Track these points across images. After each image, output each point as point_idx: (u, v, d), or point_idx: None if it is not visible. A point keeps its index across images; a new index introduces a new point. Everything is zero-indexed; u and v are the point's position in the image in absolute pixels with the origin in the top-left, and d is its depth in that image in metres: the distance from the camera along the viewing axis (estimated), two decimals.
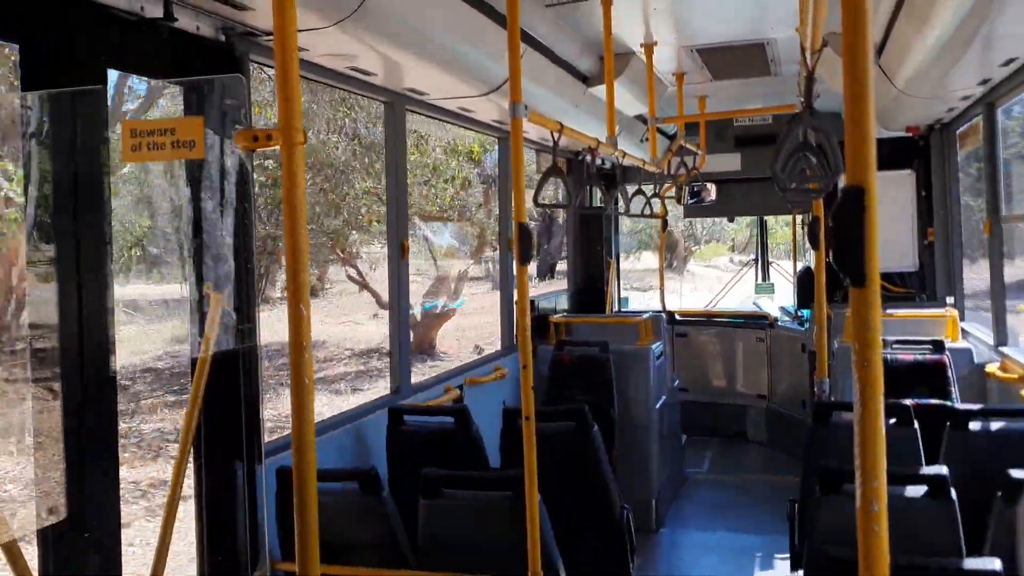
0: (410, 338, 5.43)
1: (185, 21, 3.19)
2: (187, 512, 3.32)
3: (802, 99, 4.18)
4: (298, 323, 1.91)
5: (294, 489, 1.99)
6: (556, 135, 4.09)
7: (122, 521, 2.58)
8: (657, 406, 6.90)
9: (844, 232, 1.38)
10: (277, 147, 1.91)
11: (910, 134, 7.83)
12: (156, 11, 2.99)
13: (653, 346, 6.99)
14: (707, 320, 9.76)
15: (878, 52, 5.30)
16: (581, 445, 4.63)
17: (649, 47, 5.93)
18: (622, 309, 10.05)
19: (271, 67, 3.27)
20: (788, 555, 4.60)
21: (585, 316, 8.23)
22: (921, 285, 8.14)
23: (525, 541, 3.14)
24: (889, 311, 6.75)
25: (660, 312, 8.69)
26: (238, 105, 2.05)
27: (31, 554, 2.64)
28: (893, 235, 8.08)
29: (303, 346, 1.92)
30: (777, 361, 8.99)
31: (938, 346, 5.80)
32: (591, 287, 9.49)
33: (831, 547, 2.54)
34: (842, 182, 1.55)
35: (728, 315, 9.94)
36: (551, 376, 6.73)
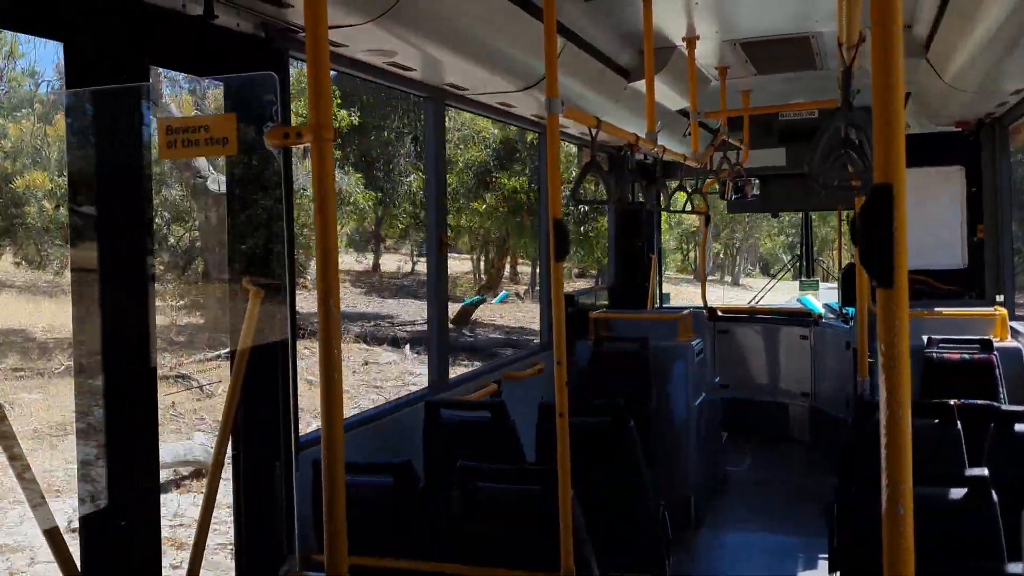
0: (448, 332, 5.45)
1: (226, 18, 3.24)
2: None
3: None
4: (328, 320, 1.93)
5: (323, 482, 2.01)
6: (594, 131, 4.07)
7: None
8: (697, 403, 6.84)
9: (872, 232, 1.35)
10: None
11: (959, 129, 7.67)
12: (197, 8, 3.04)
13: (693, 342, 6.93)
14: (750, 317, 9.64)
15: (926, 46, 5.19)
16: (616, 441, 4.61)
17: (691, 41, 5.86)
18: (663, 305, 9.97)
19: None
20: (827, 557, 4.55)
21: (624, 312, 8.19)
22: (968, 283, 7.96)
23: (558, 536, 3.14)
24: (936, 309, 6.62)
25: (701, 308, 8.61)
26: (272, 102, 2.08)
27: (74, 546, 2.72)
28: (941, 232, 7.92)
29: (332, 343, 1.94)
30: (821, 359, 8.85)
31: (986, 345, 5.68)
32: (631, 283, 9.43)
33: (862, 550, 2.51)
34: None
35: (771, 312, 9.80)
36: (589, 372, 6.71)
